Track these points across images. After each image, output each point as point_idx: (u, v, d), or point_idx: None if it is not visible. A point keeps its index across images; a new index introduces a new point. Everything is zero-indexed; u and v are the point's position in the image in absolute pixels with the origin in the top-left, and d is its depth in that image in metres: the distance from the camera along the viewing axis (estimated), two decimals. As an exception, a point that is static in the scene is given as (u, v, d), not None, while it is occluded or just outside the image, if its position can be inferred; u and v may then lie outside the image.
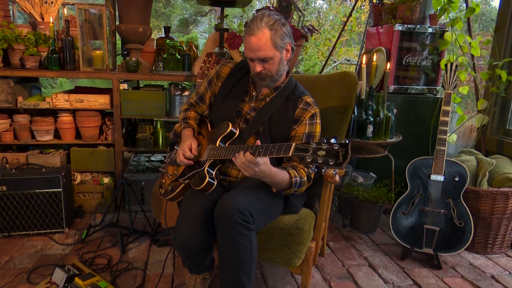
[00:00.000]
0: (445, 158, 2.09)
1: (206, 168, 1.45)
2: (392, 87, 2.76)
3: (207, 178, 1.41)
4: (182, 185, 1.55)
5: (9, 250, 2.07)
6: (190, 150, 1.52)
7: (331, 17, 7.50)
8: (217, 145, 1.46)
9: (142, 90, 2.62)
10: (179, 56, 2.67)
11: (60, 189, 2.22)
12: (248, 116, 1.57)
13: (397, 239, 2.18)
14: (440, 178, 2.09)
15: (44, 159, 2.48)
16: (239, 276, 1.34)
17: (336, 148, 1.09)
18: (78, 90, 2.73)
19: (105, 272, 1.90)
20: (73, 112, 2.53)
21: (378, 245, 2.33)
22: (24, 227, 2.21)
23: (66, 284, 1.67)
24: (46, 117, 2.51)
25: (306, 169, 1.47)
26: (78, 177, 2.59)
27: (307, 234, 1.55)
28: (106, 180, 2.60)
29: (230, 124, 1.49)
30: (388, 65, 2.43)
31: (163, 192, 1.67)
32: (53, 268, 1.82)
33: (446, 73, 2.15)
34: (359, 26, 7.45)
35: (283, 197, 1.52)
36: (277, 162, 1.52)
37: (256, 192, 1.41)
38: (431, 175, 2.10)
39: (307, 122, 1.52)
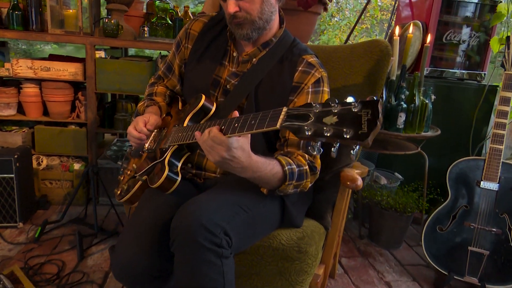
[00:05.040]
0: (501, 160, 1.59)
1: (168, 157, 0.99)
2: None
3: (166, 171, 0.96)
4: (140, 182, 1.10)
5: None
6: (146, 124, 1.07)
7: (351, 1, 6.92)
8: (185, 125, 1.01)
9: (121, 59, 2.16)
10: (170, 22, 2.21)
11: (13, 175, 1.82)
12: (228, 86, 1.11)
13: (430, 261, 1.69)
14: (494, 186, 1.59)
15: (2, 137, 2.08)
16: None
17: (355, 110, 0.62)
18: (52, 58, 2.30)
19: (50, 285, 1.48)
20: (40, 82, 2.11)
21: (403, 266, 1.85)
22: (-35, 219, 1.81)
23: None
24: (7, 88, 2.09)
25: (306, 155, 1.01)
26: (44, 161, 2.17)
27: (313, 259, 1.09)
28: (77, 166, 2.18)
29: (203, 97, 1.03)
30: (429, 38, 1.92)
31: (118, 192, 1.22)
32: (-17, 276, 1.41)
33: (508, 49, 1.64)
34: (382, 13, 6.84)
35: (279, 204, 1.06)
36: (268, 149, 1.06)
37: (238, 197, 0.95)
38: (481, 182, 1.61)
39: (310, 90, 1.05)
